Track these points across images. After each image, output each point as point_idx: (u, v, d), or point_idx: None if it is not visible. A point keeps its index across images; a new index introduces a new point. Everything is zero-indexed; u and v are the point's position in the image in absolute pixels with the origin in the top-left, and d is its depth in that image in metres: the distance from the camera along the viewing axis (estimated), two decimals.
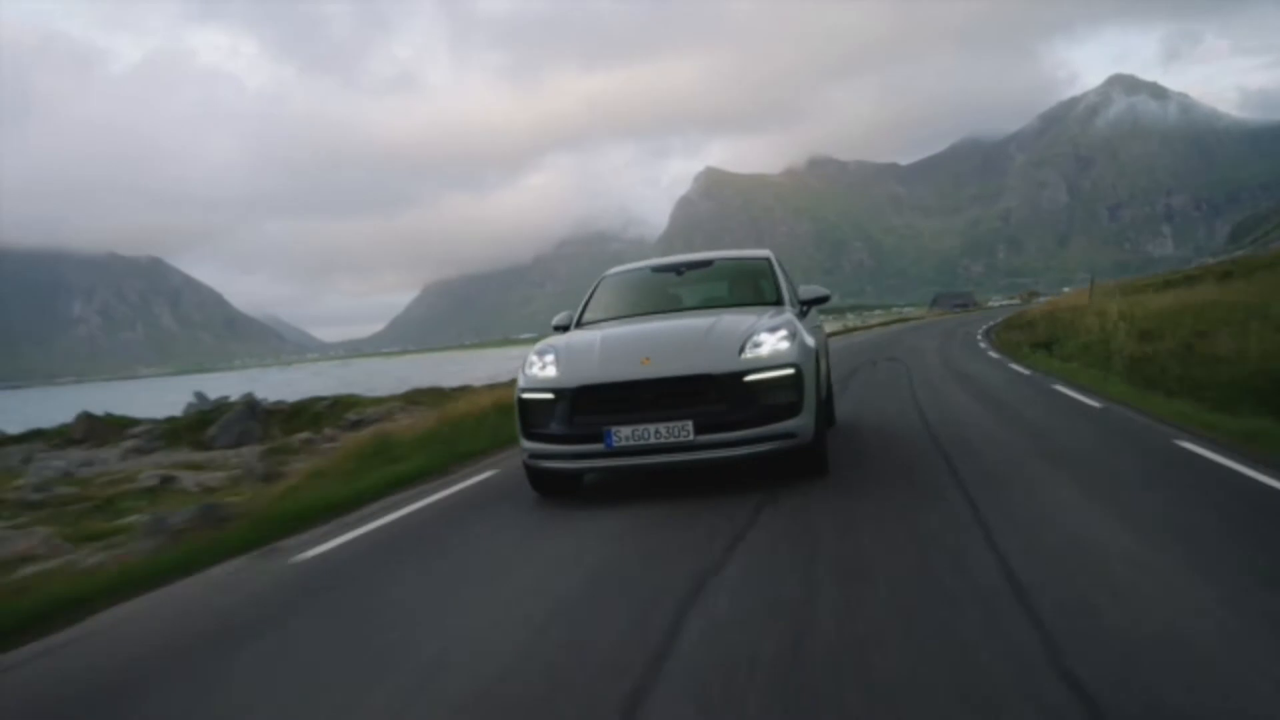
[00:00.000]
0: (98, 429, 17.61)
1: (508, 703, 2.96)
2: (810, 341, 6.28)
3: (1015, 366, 16.36)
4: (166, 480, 12.14)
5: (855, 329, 71.23)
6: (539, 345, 6.45)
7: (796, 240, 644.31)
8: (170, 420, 18.36)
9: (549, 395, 5.85)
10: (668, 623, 3.49)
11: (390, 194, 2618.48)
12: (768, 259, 7.86)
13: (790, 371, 5.67)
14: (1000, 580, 3.75)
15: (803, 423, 5.69)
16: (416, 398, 17.61)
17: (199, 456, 14.65)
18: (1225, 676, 2.78)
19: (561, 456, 5.85)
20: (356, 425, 16.29)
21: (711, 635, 3.35)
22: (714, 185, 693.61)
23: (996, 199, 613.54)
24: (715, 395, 5.58)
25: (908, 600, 3.62)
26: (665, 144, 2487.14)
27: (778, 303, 7.04)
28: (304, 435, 14.40)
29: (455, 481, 7.80)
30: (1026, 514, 4.96)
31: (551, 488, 6.34)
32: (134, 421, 19.07)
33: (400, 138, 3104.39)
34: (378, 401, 18.08)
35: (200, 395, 20.53)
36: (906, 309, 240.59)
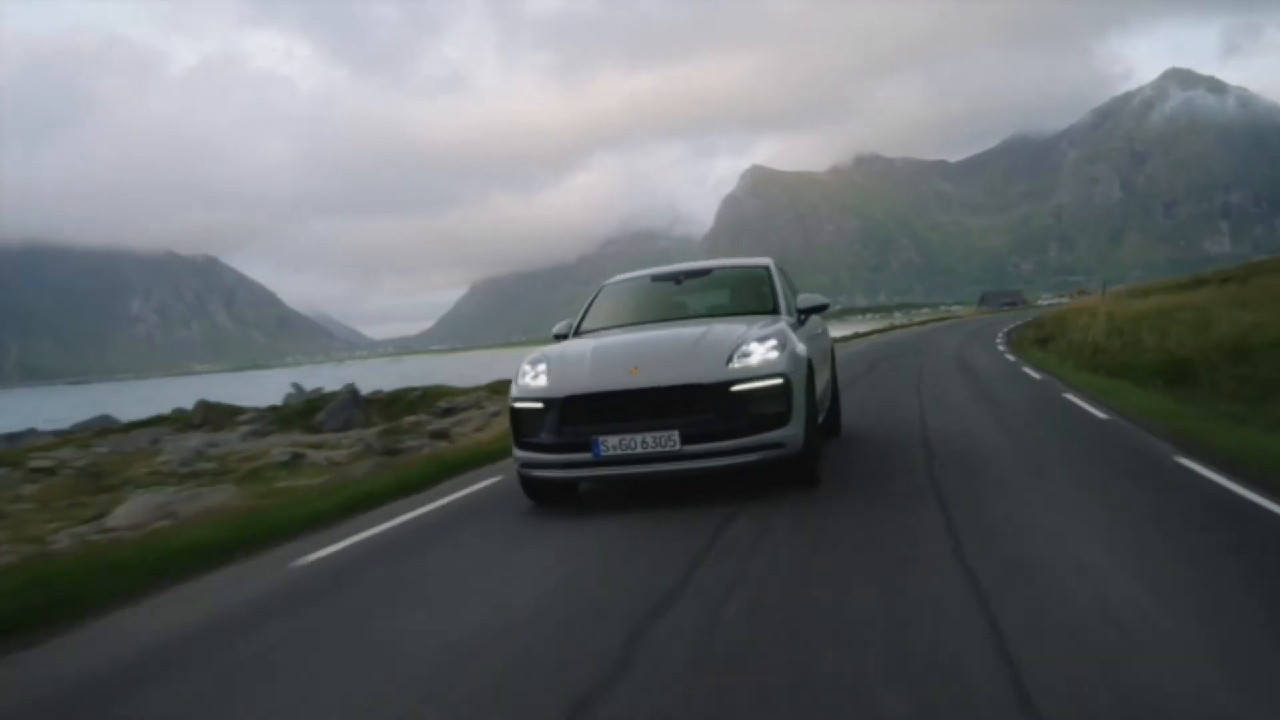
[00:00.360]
0: (213, 415, 19.52)
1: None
2: (801, 351, 6.24)
3: (1009, 357, 20.34)
4: (297, 456, 13.86)
5: (896, 327, 74.58)
6: (533, 354, 6.48)
7: (843, 238, 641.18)
8: (275, 408, 20.24)
9: (539, 405, 5.92)
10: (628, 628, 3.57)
11: (438, 194, 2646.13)
12: (766, 267, 7.83)
13: (778, 381, 5.68)
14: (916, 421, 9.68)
15: (791, 433, 5.71)
16: (500, 388, 19.28)
17: (313, 438, 16.41)
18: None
19: (551, 465, 5.91)
20: (448, 413, 18.06)
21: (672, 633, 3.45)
22: (760, 183, 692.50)
23: (1047, 196, 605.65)
24: (702, 405, 5.61)
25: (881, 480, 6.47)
26: (711, 142, 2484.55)
27: (774, 311, 7.05)
28: (413, 418, 16.15)
29: None
30: (953, 419, 9.70)
31: (545, 496, 6.36)
32: (241, 409, 20.99)
33: (448, 138, 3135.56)
34: (465, 391, 19.82)
35: (297, 386, 22.44)
36: (954, 308, 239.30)
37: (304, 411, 18.44)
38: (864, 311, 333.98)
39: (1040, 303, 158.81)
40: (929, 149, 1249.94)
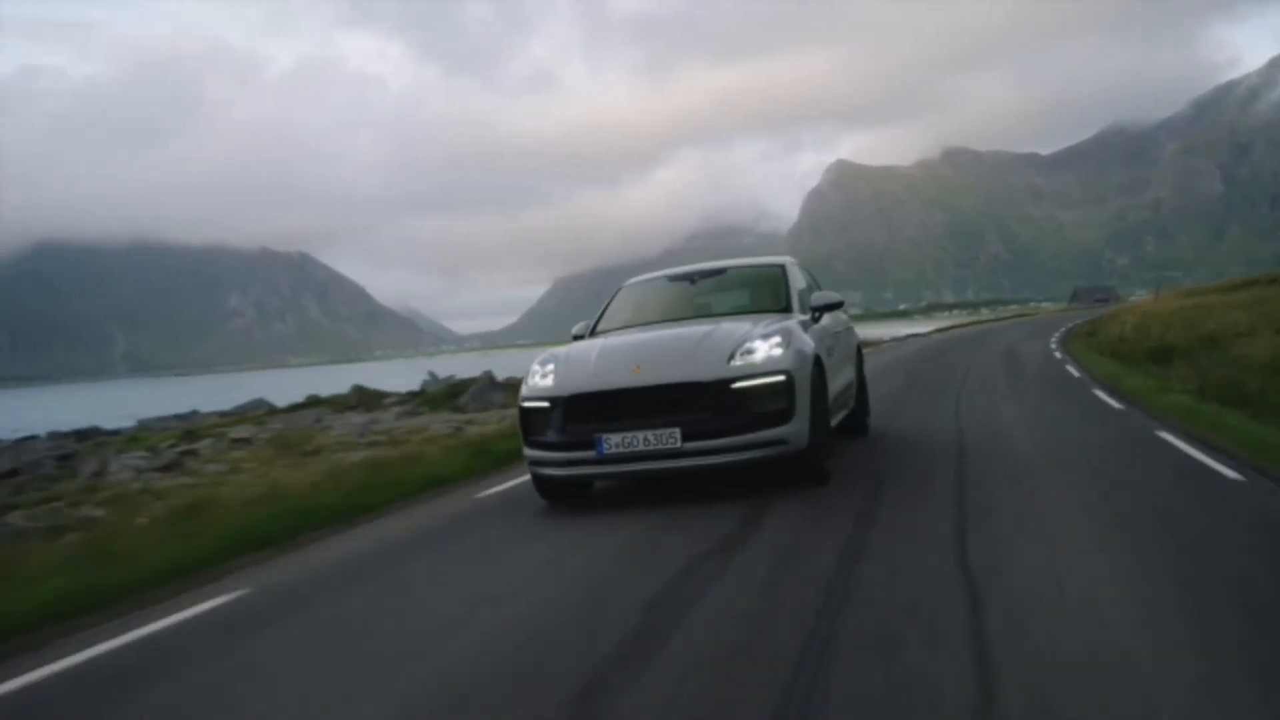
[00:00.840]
0: (366, 398, 22.03)
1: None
2: (808, 348, 6.23)
3: (1053, 345, 23.26)
4: (457, 429, 16.08)
5: (972, 324, 77.84)
6: (542, 355, 6.62)
7: (928, 232, 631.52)
8: (416, 393, 22.66)
9: (545, 404, 6.05)
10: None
11: (523, 191, 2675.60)
12: (781, 266, 7.86)
13: (780, 379, 5.71)
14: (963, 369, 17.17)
15: (794, 430, 5.74)
16: None
17: (462, 417, 18.68)
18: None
19: (556, 464, 6.02)
20: None
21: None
22: (845, 177, 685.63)
23: (1144, 189, 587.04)
24: (703, 403, 5.65)
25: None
26: (796, 137, 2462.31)
27: (786, 310, 7.10)
28: None
29: None
30: (984, 373, 15.80)
31: (557, 495, 6.47)
32: (386, 394, 23.53)
33: (534, 136, 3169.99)
34: None
35: (433, 374, 24.99)
36: (1044, 304, 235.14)
37: (447, 395, 20.75)
38: (950, 308, 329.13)
39: (1132, 299, 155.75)
40: (1020, 141, 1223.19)
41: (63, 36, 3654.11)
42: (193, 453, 15.77)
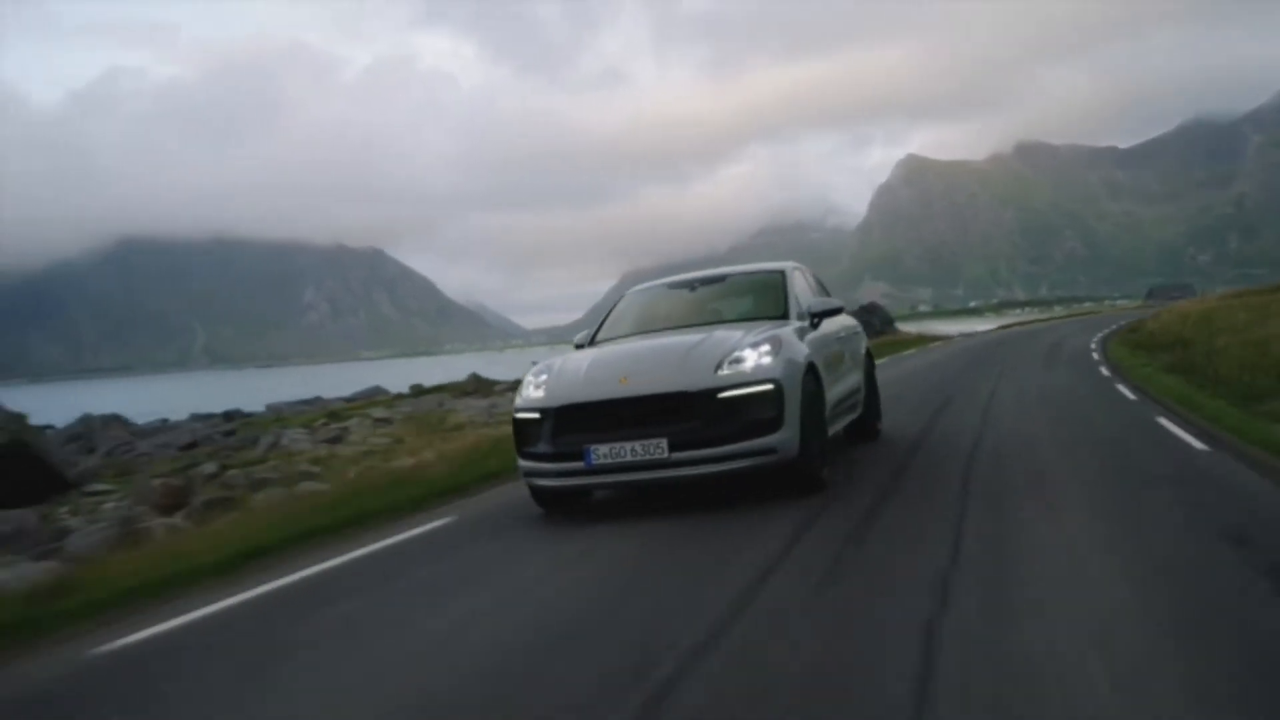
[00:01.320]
0: (481, 385, 23.56)
1: None
2: (801, 355, 6.22)
3: (1091, 345, 25.18)
4: None
5: (1038, 320, 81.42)
6: (537, 365, 6.69)
7: (1000, 228, 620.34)
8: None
9: (536, 415, 6.09)
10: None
11: (591, 188, 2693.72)
12: (782, 272, 7.83)
13: (768, 387, 5.71)
14: (1011, 354, 22.97)
15: (783, 438, 5.72)
16: None
17: None
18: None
19: (548, 474, 6.07)
20: None
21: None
22: (915, 173, 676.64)
23: (1228, 183, 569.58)
24: (689, 412, 5.66)
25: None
26: (866, 132, 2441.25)
27: (784, 316, 7.08)
28: None
29: None
30: (1023, 357, 20.97)
31: (554, 505, 6.49)
32: (495, 382, 25.05)
33: (602, 133, 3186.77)
34: None
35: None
36: (1119, 301, 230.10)
37: None
38: (1022, 305, 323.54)
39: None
40: (1097, 135, 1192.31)
41: (146, 39, 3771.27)
42: (345, 430, 17.17)
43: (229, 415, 32.37)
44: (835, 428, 7.11)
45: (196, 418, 33.46)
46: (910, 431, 9.01)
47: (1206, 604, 3.44)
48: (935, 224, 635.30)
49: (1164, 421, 8.47)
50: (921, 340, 39.20)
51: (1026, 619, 3.37)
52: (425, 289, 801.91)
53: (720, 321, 7.24)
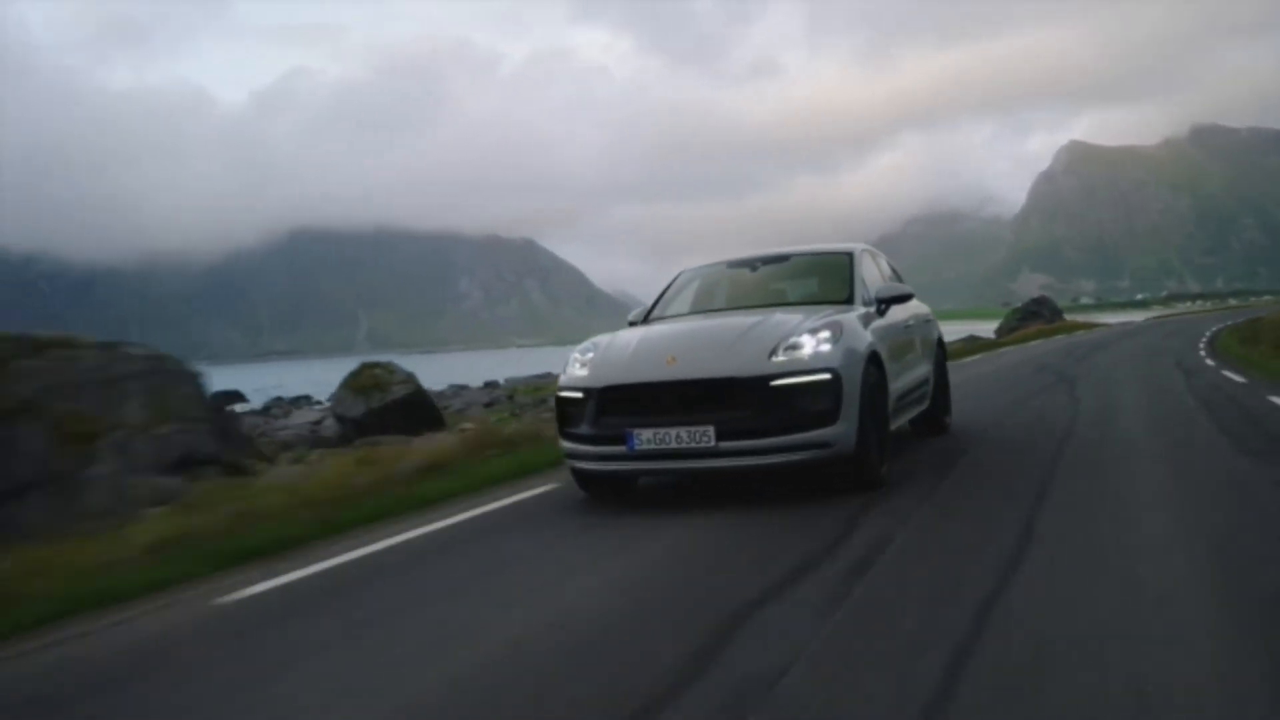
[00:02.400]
0: None
1: None
2: (863, 344, 5.87)
3: (1208, 331, 29.60)
4: None
5: (1197, 313, 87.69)
6: (584, 343, 6.41)
7: (1173, 218, 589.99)
8: None
9: (580, 394, 5.87)
10: None
11: (740, 178, 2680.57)
12: (850, 254, 7.36)
13: (826, 376, 5.39)
14: (1144, 339, 30.86)
15: (839, 432, 5.40)
16: None
17: None
18: None
19: (589, 457, 5.86)
20: None
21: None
22: (1078, 160, 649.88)
23: None
24: (739, 400, 5.37)
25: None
26: (1026, 118, 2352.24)
27: (849, 300, 6.72)
28: None
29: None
30: (1144, 343, 27.04)
31: (597, 490, 6.25)
32: None
33: (753, 123, 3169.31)
34: None
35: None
36: None
37: None
38: (1194, 298, 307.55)
39: None
40: None
41: (320, 39, 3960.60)
42: None
43: (488, 385, 44.94)
44: (899, 422, 6.83)
45: (455, 388, 43.89)
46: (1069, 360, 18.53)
47: None
48: (1099, 213, 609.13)
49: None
50: (1087, 326, 51.28)
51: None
52: (575, 278, 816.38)
53: (780, 304, 6.97)
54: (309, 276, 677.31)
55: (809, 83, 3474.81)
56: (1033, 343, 32.75)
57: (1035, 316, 53.04)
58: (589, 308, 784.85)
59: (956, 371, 13.31)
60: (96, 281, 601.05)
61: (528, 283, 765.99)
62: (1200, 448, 7.20)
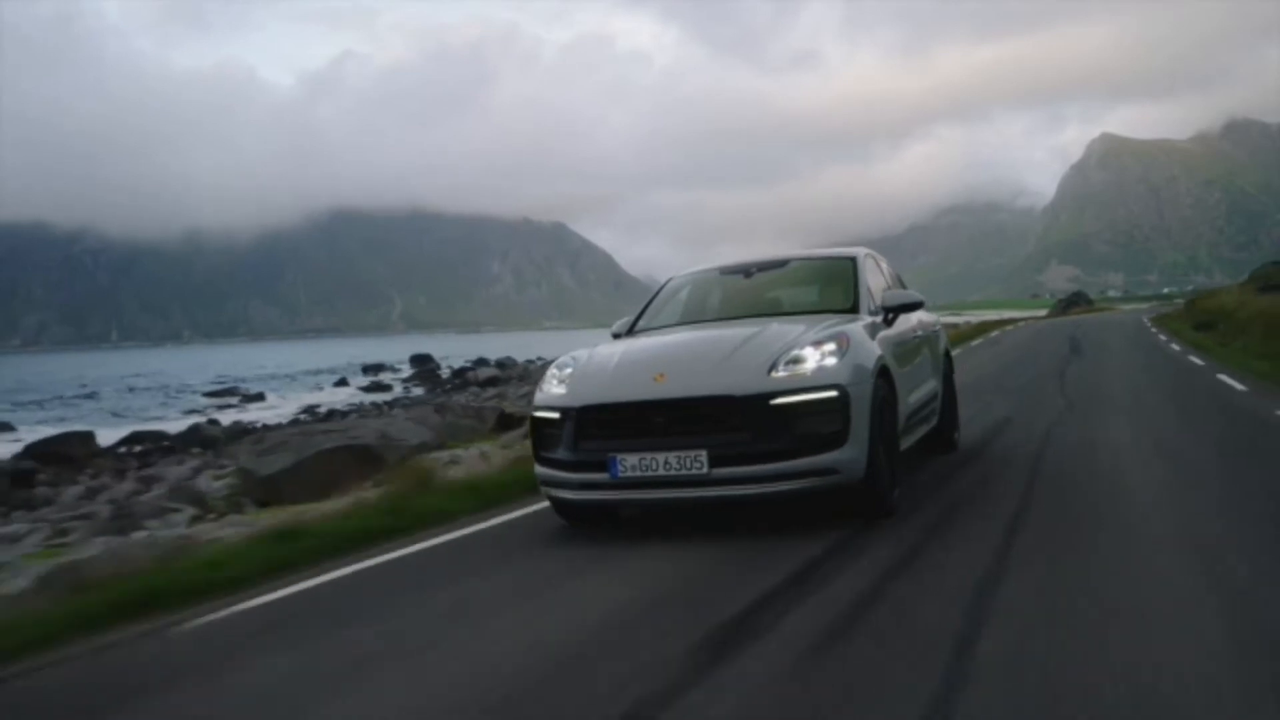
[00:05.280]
0: None
1: None
2: (871, 358, 5.29)
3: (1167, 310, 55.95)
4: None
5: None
6: (562, 358, 5.92)
7: (1204, 213, 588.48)
8: None
9: (556, 415, 5.35)
10: None
11: (772, 167, 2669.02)
12: (853, 259, 6.76)
13: (832, 394, 4.84)
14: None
15: (848, 457, 4.86)
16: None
17: None
18: None
19: (567, 485, 5.33)
20: None
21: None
22: (1110, 153, 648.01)
23: None
24: (735, 421, 4.84)
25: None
26: (1060, 111, 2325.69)
27: (853, 309, 6.15)
28: None
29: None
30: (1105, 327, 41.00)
31: (578, 517, 5.67)
32: None
33: (788, 113, 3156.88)
34: None
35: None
36: None
37: None
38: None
39: None
40: None
41: (370, 22, 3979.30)
42: None
43: (501, 364, 53.53)
44: (908, 442, 6.22)
45: (478, 363, 53.49)
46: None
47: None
48: (1129, 206, 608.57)
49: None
50: (1112, 309, 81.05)
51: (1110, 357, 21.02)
52: (604, 263, 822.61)
53: (778, 314, 6.53)
54: (345, 256, 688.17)
55: (846, 74, 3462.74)
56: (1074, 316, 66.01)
57: (1074, 305, 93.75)
58: (617, 292, 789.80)
59: (1044, 323, 38.74)
60: (140, 258, 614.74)
61: (558, 266, 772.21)
62: (1131, 337, 23.54)
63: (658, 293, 7.33)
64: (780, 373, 4.97)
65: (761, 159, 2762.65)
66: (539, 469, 5.56)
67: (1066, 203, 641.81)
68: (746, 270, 7.25)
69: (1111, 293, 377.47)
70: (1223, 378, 13.11)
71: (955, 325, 39.66)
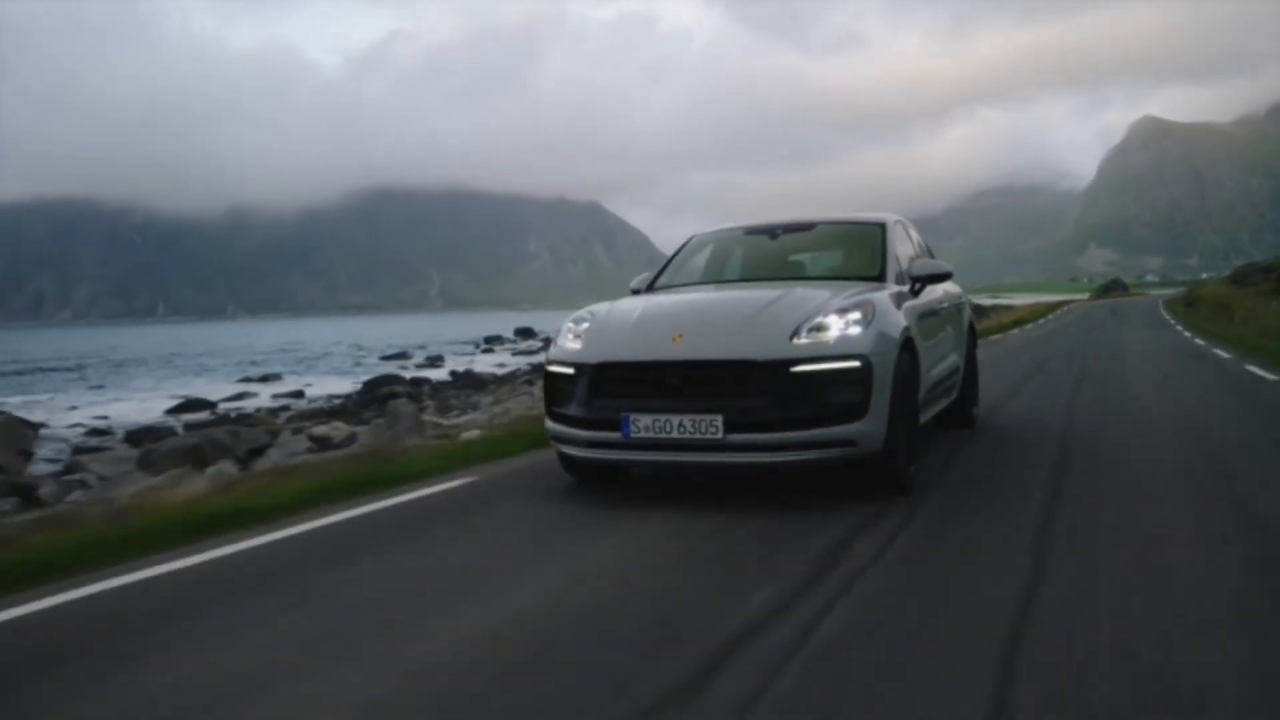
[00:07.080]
0: None
1: None
2: (897, 328, 5.08)
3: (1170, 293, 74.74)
4: None
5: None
6: (578, 312, 5.70)
7: (1246, 196, 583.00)
8: None
9: (570, 370, 5.18)
10: None
11: (811, 147, 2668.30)
12: (882, 225, 6.46)
13: (854, 364, 4.67)
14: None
15: (867, 429, 4.68)
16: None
17: None
18: None
19: (578, 442, 5.16)
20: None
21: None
22: (1151, 135, 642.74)
23: None
24: (754, 387, 4.66)
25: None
26: (1103, 94, 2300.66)
27: (879, 278, 5.91)
28: None
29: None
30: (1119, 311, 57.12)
31: (584, 474, 5.63)
32: None
33: (828, 94, 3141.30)
34: None
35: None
36: None
37: None
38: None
39: None
40: None
41: (419, 1, 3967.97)
42: None
43: (526, 333, 63.28)
44: (927, 416, 6.06)
45: (520, 332, 62.37)
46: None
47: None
48: (1170, 190, 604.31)
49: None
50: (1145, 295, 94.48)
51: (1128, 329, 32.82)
52: (639, 242, 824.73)
53: (802, 278, 6.47)
54: (385, 234, 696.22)
55: (887, 55, 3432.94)
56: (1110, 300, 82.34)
57: (1111, 290, 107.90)
58: (651, 270, 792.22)
59: (1092, 303, 59.22)
60: (185, 233, 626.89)
61: (594, 245, 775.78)
62: (1144, 308, 35.31)
63: (680, 249, 7.07)
64: (803, 339, 4.74)
65: (799, 140, 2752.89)
66: (549, 424, 5.42)
67: (1107, 185, 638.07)
68: (772, 231, 6.93)
69: (1150, 277, 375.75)
70: (1176, 326, 29.35)
71: (1041, 301, 77.54)
